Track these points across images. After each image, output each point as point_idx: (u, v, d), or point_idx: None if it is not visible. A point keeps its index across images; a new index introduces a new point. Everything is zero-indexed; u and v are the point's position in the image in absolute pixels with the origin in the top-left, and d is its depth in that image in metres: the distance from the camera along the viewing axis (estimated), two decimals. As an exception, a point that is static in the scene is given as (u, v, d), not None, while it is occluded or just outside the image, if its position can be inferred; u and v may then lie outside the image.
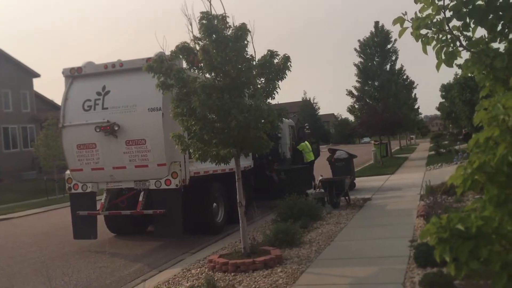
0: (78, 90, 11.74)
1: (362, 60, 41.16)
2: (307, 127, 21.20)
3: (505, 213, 2.39)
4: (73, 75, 11.85)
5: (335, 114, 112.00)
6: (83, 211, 11.60)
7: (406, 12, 3.47)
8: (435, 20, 3.44)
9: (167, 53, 8.40)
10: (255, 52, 8.38)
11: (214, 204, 12.36)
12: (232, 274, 7.77)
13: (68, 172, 11.94)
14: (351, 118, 55.23)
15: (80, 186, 11.69)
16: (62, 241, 12.77)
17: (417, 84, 44.69)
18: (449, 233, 2.39)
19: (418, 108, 50.48)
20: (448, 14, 3.45)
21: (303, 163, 18.16)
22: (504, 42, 3.46)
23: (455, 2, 3.35)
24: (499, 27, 3.44)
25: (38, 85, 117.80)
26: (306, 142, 18.68)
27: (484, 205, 2.45)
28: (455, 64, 3.73)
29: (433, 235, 2.44)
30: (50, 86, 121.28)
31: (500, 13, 3.39)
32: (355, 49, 41.37)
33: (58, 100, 12.37)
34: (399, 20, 3.48)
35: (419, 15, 3.46)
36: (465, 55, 3.52)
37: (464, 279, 5.92)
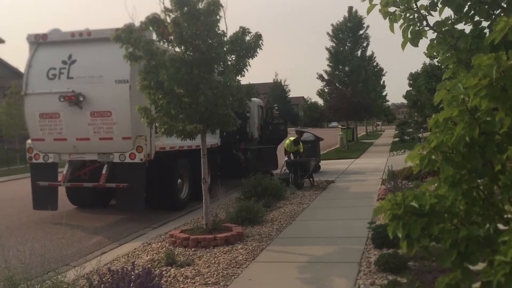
0: (42, 57, 11.39)
1: (334, 45, 41.22)
2: (276, 108, 21.20)
3: (459, 193, 2.45)
4: (38, 42, 11.49)
5: (305, 97, 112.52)
6: (44, 181, 11.37)
7: (375, -12, 3.47)
8: (403, -2, 3.45)
9: (137, 24, 8.20)
10: (227, 28, 8.30)
11: (179, 180, 12.30)
12: (193, 249, 7.78)
13: (29, 141, 11.65)
14: (321, 101, 55.56)
15: (41, 156, 11.43)
16: (21, 211, 12.49)
17: (386, 72, 45.31)
18: (403, 210, 2.44)
19: (386, 95, 51.40)
20: (417, -8, 3.47)
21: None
22: (469, 23, 3.51)
23: (423, -20, 3.37)
24: (466, 8, 3.48)
25: (3, 52, 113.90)
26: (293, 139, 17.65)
27: (439, 184, 2.51)
28: (424, 52, 3.75)
29: (387, 211, 2.49)
30: (16, 53, 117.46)
31: None
32: (328, 33, 41.42)
33: (23, 68, 11.94)
34: (368, -4, 3.49)
35: (388, -8, 3.47)
36: (431, 35, 3.56)
37: (418, 260, 6.10)
